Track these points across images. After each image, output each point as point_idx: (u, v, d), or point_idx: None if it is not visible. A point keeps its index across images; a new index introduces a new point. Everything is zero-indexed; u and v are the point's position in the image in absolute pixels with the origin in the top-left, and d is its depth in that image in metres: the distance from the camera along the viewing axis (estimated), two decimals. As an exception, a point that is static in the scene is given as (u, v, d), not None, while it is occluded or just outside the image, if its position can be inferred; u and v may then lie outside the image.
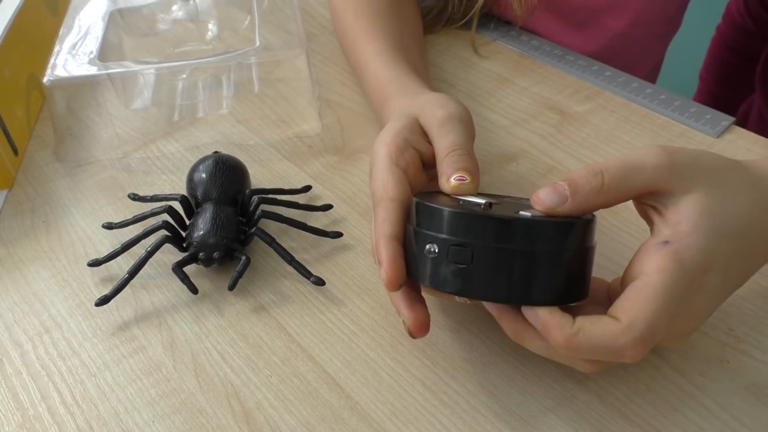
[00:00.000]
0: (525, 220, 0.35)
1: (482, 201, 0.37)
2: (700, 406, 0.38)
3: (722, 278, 0.35)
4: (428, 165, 0.44)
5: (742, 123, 0.57)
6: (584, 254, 0.36)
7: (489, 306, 0.39)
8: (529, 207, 0.37)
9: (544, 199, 0.35)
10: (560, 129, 0.58)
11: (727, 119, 0.57)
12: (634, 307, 0.33)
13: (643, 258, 0.35)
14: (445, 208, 0.36)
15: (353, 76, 0.64)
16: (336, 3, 0.65)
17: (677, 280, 0.33)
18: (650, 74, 0.81)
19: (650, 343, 0.34)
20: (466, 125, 0.44)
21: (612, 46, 0.71)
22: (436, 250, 0.36)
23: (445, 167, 0.41)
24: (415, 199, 0.38)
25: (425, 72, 0.60)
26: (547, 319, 0.34)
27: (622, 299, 0.34)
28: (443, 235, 0.36)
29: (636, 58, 0.75)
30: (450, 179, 0.40)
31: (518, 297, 0.36)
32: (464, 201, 0.38)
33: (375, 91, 0.55)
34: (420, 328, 0.38)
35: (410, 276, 0.38)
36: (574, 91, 0.62)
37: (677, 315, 0.34)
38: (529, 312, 0.35)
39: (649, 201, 0.36)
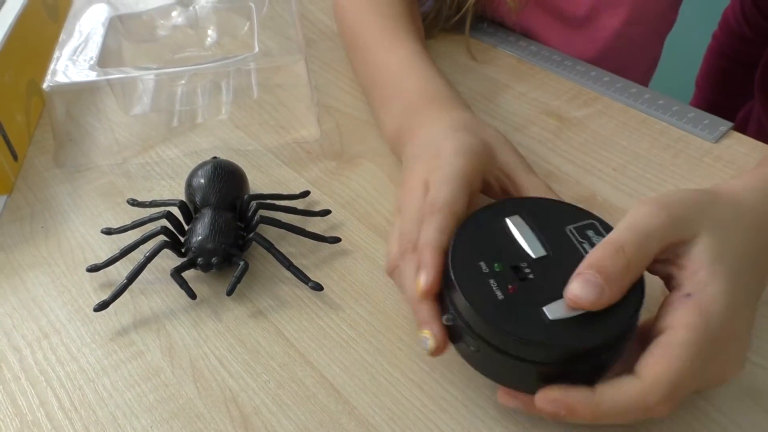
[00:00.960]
0: (547, 343, 0.33)
1: (530, 255, 0.37)
2: (699, 411, 0.38)
3: (748, 312, 0.36)
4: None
5: (741, 130, 0.57)
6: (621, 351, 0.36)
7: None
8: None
9: (581, 296, 0.33)
10: (559, 134, 0.58)
11: (725, 124, 0.57)
12: (658, 365, 0.33)
13: (668, 311, 0.35)
14: (462, 296, 0.35)
15: (354, 75, 0.63)
16: (342, 3, 0.65)
17: (703, 335, 0.33)
18: (647, 72, 0.81)
19: (677, 397, 0.34)
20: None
21: (609, 46, 0.72)
22: (452, 321, 0.36)
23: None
24: (450, 253, 0.37)
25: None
26: (568, 401, 0.34)
27: (647, 355, 0.34)
28: (457, 313, 0.36)
29: (633, 56, 0.75)
30: None
31: (528, 390, 0.35)
32: (515, 247, 0.37)
33: (413, 89, 0.53)
34: (445, 345, 0.37)
35: None
36: (573, 97, 0.62)
37: (708, 365, 0.34)
38: (543, 401, 0.34)
39: (661, 257, 0.36)
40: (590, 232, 0.38)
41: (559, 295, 0.35)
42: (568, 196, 0.52)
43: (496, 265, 0.36)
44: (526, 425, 0.38)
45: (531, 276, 0.36)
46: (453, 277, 0.36)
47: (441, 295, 0.37)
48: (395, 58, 0.57)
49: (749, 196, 0.39)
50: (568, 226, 0.38)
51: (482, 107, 0.62)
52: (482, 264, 0.37)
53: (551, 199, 0.41)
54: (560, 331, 0.34)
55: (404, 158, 0.50)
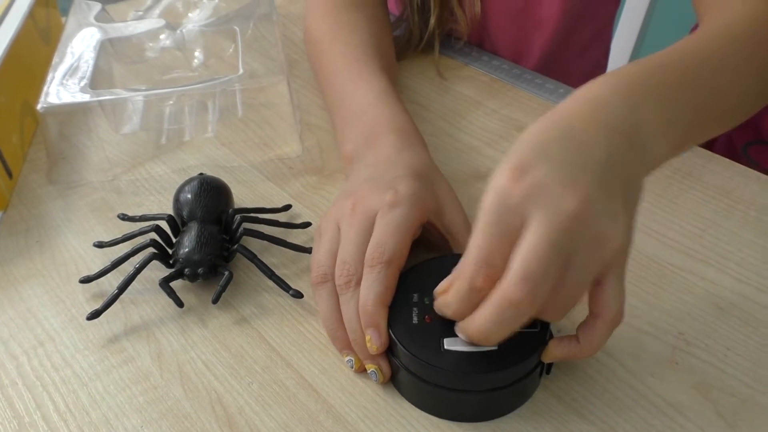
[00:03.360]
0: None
1: None
2: (650, 404, 0.41)
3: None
4: None
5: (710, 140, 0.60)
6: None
7: None
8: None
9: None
10: (528, 149, 0.61)
11: (683, 138, 0.60)
12: None
13: None
14: (391, 333, 0.41)
15: (321, 93, 0.66)
16: (315, 34, 0.68)
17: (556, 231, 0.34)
18: (602, 58, 0.85)
19: (536, 290, 0.34)
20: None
21: (562, 28, 0.76)
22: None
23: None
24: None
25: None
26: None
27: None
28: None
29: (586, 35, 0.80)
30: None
31: (433, 411, 0.41)
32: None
33: (381, 117, 0.55)
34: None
35: None
36: (542, 113, 0.65)
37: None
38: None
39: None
40: None
41: None
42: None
43: (426, 298, 0.42)
44: (491, 419, 0.41)
45: None
46: (391, 318, 0.41)
47: None
48: (366, 88, 0.58)
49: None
50: None
51: (455, 123, 0.65)
52: (416, 295, 0.42)
53: None
54: (445, 359, 0.39)
55: (356, 171, 0.51)
